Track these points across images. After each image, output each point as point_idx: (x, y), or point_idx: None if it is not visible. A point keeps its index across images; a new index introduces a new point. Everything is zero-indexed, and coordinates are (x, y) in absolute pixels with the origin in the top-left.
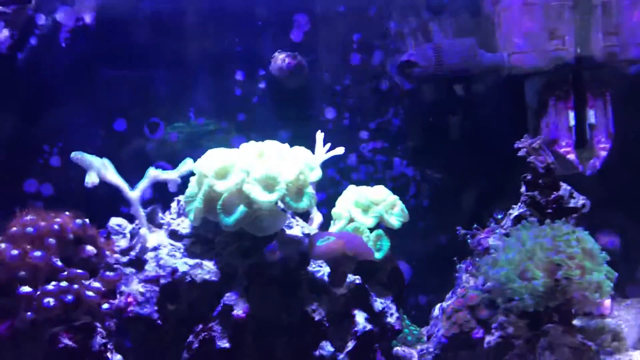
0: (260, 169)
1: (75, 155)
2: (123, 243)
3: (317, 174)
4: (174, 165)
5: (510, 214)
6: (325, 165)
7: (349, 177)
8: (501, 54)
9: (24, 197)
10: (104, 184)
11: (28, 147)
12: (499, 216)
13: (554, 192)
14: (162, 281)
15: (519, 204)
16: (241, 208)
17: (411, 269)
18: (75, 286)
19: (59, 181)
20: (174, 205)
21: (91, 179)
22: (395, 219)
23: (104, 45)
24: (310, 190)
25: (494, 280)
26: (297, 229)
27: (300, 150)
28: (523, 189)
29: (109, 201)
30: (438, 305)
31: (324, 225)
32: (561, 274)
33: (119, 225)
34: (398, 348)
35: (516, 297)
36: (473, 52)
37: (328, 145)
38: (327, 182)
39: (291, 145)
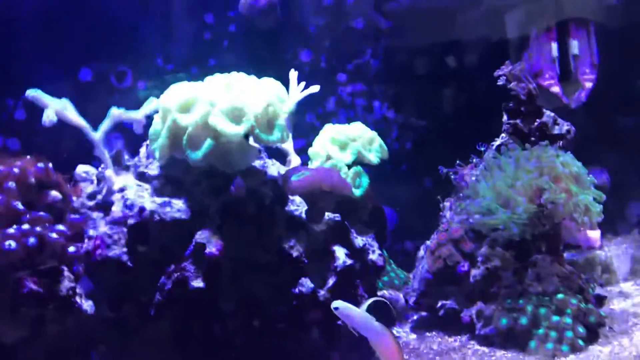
0: (226, 101)
1: (30, 93)
2: (90, 189)
3: (288, 106)
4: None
5: (492, 145)
6: (302, 109)
7: (328, 121)
8: None
9: None
10: (70, 137)
11: None
12: (482, 149)
13: (537, 119)
14: (130, 221)
15: (502, 134)
16: (208, 142)
17: (396, 214)
18: (38, 228)
19: (25, 135)
20: (142, 150)
21: (49, 117)
22: (374, 155)
23: None
24: (282, 122)
25: (477, 211)
26: (272, 169)
27: (270, 82)
28: (505, 117)
29: (77, 155)
30: (423, 246)
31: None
32: (545, 198)
33: (86, 172)
34: (384, 291)
35: (501, 227)
36: None
37: (303, 84)
38: (306, 128)
39: None
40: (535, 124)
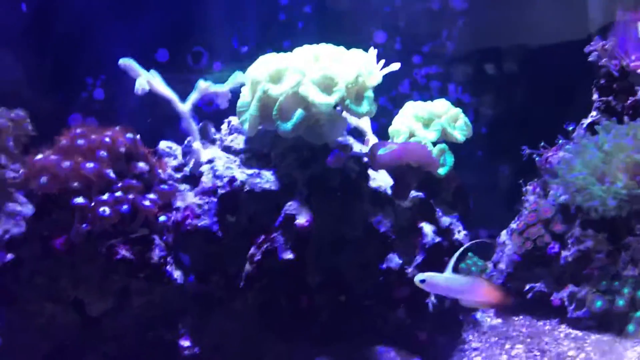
0: (317, 70)
1: (124, 61)
2: (174, 163)
3: (376, 78)
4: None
5: (582, 124)
6: (375, 91)
7: (402, 104)
8: None
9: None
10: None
11: (71, 82)
12: (570, 128)
13: (631, 97)
14: (220, 191)
15: (592, 112)
16: (299, 112)
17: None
18: (131, 196)
19: (103, 114)
20: (224, 126)
21: (141, 85)
22: (458, 133)
23: None
24: (370, 94)
25: (571, 188)
26: (356, 145)
27: (358, 52)
28: (595, 96)
29: (154, 134)
30: (504, 232)
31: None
32: None
33: (169, 147)
34: None
35: (596, 202)
36: None
37: (382, 61)
38: (378, 111)
39: None
40: (629, 101)
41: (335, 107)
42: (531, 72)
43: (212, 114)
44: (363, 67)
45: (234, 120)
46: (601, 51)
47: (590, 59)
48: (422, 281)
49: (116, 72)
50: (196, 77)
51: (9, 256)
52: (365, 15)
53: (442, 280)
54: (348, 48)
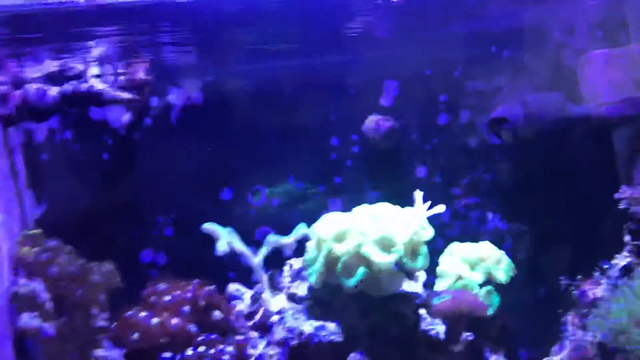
0: (376, 231)
1: (207, 226)
2: (242, 307)
3: (429, 233)
4: (276, 228)
5: (616, 264)
6: None
7: (443, 233)
8: (588, 106)
9: (140, 267)
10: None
11: (144, 219)
12: (606, 266)
13: None
14: (291, 343)
15: (624, 253)
16: (361, 269)
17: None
18: (212, 351)
19: (172, 250)
20: (286, 268)
21: (222, 247)
22: (503, 274)
23: (210, 121)
24: (425, 249)
25: (610, 331)
26: (407, 286)
27: (411, 211)
28: (627, 238)
29: (214, 268)
30: (546, 359)
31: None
32: None
33: (238, 290)
34: None
35: (634, 346)
36: (561, 105)
37: (428, 203)
38: None
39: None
40: None
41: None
42: (567, 200)
43: None
44: (417, 225)
45: (294, 263)
46: (631, 199)
47: (621, 205)
48: None
49: (184, 211)
50: (256, 212)
51: None
52: (409, 153)
53: None
54: (393, 183)
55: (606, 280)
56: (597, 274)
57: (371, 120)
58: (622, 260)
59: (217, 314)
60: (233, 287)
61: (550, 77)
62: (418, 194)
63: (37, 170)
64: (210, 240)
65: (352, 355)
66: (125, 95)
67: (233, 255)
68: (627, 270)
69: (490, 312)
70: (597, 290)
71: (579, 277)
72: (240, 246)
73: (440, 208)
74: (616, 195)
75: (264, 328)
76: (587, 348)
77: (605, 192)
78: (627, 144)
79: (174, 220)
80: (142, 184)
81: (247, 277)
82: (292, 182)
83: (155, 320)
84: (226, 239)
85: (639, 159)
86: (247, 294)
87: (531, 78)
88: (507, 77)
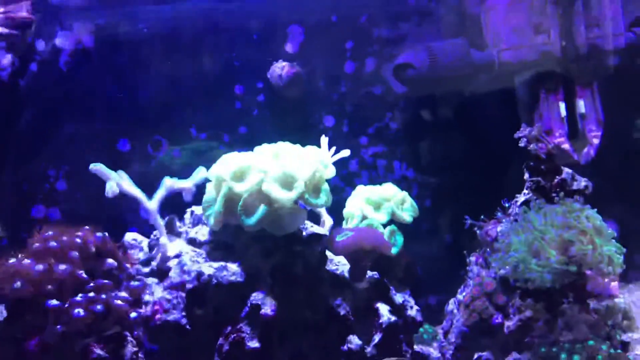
0: (277, 168)
1: (94, 166)
2: (141, 256)
3: (331, 171)
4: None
5: (516, 201)
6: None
7: (351, 182)
8: (490, 52)
9: (33, 223)
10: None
11: (34, 173)
12: (506, 205)
13: (557, 176)
14: (188, 286)
15: (524, 190)
16: (262, 207)
17: (419, 270)
18: (104, 296)
19: (66, 205)
20: (187, 215)
21: (112, 189)
22: (407, 214)
23: (103, 67)
24: (326, 186)
25: (510, 263)
26: (312, 230)
27: (313, 149)
28: (526, 175)
29: (113, 221)
30: (452, 300)
31: (334, 228)
32: (575, 249)
33: (135, 240)
34: (415, 346)
35: (533, 275)
36: (464, 51)
37: (333, 148)
38: (330, 189)
39: None
40: (556, 180)
41: (295, 201)
42: (467, 150)
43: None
44: (319, 162)
45: (197, 210)
46: (529, 137)
47: (520, 144)
48: None
49: (77, 163)
50: (156, 163)
51: None
52: (315, 101)
53: None
54: (299, 132)
55: (506, 218)
56: (499, 214)
57: (276, 67)
58: (522, 196)
59: (110, 261)
60: (130, 236)
61: (454, 24)
62: (323, 139)
63: None
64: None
65: (254, 295)
66: (5, 30)
67: (133, 211)
68: (526, 205)
69: (394, 251)
70: (498, 227)
71: (482, 218)
72: (132, 189)
73: (345, 152)
74: (516, 134)
75: (162, 274)
76: (489, 283)
77: (509, 136)
78: (528, 88)
79: (67, 173)
80: (30, 135)
81: (148, 232)
82: (194, 132)
83: (40, 266)
84: (116, 180)
85: (537, 102)
86: (145, 242)
87: (436, 25)
88: (413, 24)
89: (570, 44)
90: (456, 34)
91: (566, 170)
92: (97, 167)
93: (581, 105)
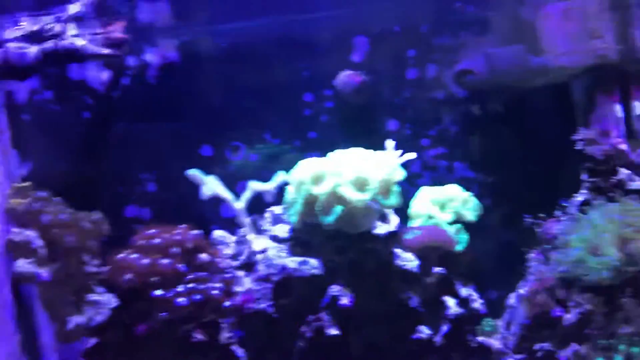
0: (351, 172)
1: (190, 172)
2: (228, 251)
3: (400, 174)
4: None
5: (575, 200)
6: None
7: (414, 183)
8: (547, 57)
9: (126, 222)
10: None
11: (127, 177)
12: (565, 204)
13: (615, 177)
14: (275, 278)
15: (582, 190)
16: (338, 208)
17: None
18: (202, 286)
19: (155, 205)
20: (267, 215)
21: (207, 191)
22: (470, 213)
23: (186, 79)
24: (396, 188)
25: (569, 261)
26: (382, 228)
27: (383, 154)
28: (585, 176)
29: (197, 224)
30: (512, 295)
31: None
32: (633, 247)
33: (222, 237)
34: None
35: (592, 273)
36: (522, 57)
37: (400, 151)
38: None
39: None
40: (613, 180)
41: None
42: (530, 147)
43: None
44: (389, 166)
45: (275, 210)
46: (587, 139)
47: (578, 146)
48: None
49: (166, 168)
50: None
51: (93, 340)
52: (380, 106)
53: None
54: (365, 136)
55: (566, 216)
56: (558, 212)
57: (343, 76)
58: (580, 197)
59: (203, 256)
60: (218, 233)
61: (511, 31)
62: (389, 143)
63: (20, 130)
64: (191, 196)
65: (332, 287)
66: (106, 50)
67: (215, 210)
68: (584, 205)
69: (459, 248)
70: (557, 226)
71: (541, 216)
72: (223, 191)
73: (411, 155)
74: (573, 137)
75: (249, 267)
76: (549, 278)
77: (566, 138)
78: (584, 92)
79: (157, 176)
80: (123, 142)
81: (229, 230)
82: (268, 138)
83: (145, 260)
84: (210, 184)
85: (594, 105)
86: (231, 239)
87: (493, 32)
88: (471, 32)
89: (626, 47)
90: (513, 40)
91: (623, 171)
92: (193, 174)
93: (637, 107)
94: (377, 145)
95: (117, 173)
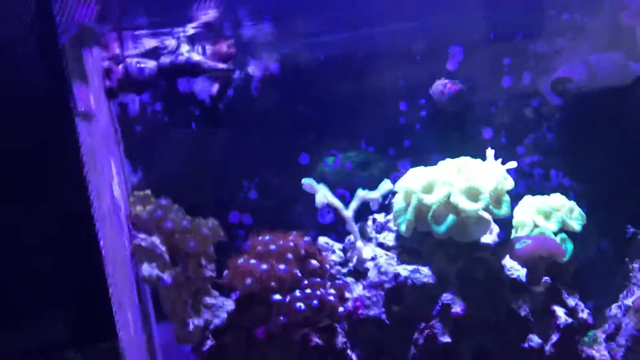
0: (463, 182)
1: (305, 181)
2: (333, 258)
3: (511, 183)
4: (351, 190)
5: None
6: None
7: (509, 191)
8: None
9: (229, 227)
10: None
11: (231, 184)
12: None
13: None
14: (387, 285)
15: None
16: (451, 217)
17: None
18: (318, 292)
19: (256, 212)
20: (370, 222)
21: (320, 199)
22: (576, 223)
23: (287, 90)
24: (507, 198)
25: None
26: (487, 237)
27: (492, 164)
28: None
29: (292, 226)
30: (614, 305)
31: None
32: None
33: (327, 243)
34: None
35: None
36: (622, 63)
37: (500, 160)
38: None
39: None
40: None
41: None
42: (628, 155)
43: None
44: (500, 175)
45: (378, 217)
46: None
47: None
48: None
49: (266, 175)
50: (332, 175)
51: (210, 342)
52: (475, 114)
53: None
54: (460, 144)
55: None
56: None
57: (438, 84)
58: None
59: (314, 262)
60: (322, 240)
61: (609, 37)
62: (490, 152)
63: (132, 140)
64: (289, 203)
65: (444, 295)
66: (222, 65)
67: (312, 217)
68: None
69: (565, 258)
70: None
71: None
72: (333, 199)
73: (513, 164)
74: None
75: (358, 274)
76: None
77: None
78: None
79: (258, 184)
80: (227, 151)
81: (328, 236)
82: (364, 146)
83: (264, 266)
84: (323, 192)
85: None
86: (336, 246)
87: (590, 39)
88: (567, 39)
89: None
90: (612, 47)
91: None
92: (308, 182)
93: None
94: (472, 153)
95: (221, 180)
